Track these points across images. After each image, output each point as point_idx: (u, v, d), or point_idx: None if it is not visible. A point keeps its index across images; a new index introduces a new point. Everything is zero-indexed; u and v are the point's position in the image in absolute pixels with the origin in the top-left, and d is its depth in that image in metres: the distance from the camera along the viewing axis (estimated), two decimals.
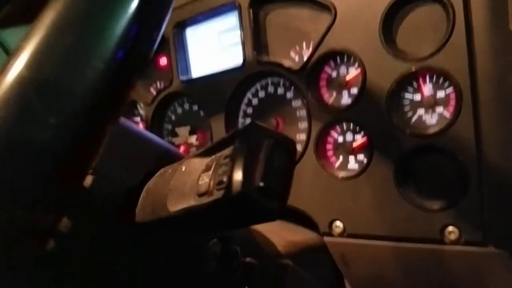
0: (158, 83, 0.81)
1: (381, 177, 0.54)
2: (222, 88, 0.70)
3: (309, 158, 0.60)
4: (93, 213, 0.34)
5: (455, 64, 0.48)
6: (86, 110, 0.22)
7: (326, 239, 0.60)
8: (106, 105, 0.24)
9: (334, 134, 0.60)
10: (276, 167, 0.25)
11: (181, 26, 0.76)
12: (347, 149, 0.58)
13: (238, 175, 0.24)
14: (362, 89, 0.55)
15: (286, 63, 0.63)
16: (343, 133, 0.59)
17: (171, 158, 0.43)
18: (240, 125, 0.71)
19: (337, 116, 0.59)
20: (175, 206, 0.29)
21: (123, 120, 0.41)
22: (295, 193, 0.60)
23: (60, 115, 0.21)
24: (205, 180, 0.27)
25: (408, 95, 0.54)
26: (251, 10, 0.65)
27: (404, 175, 0.53)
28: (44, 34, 0.22)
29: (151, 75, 0.82)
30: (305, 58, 0.61)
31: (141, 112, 0.83)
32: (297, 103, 0.65)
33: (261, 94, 0.69)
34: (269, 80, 0.68)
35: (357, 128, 0.58)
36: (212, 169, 0.27)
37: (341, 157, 0.60)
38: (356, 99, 0.56)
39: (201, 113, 0.76)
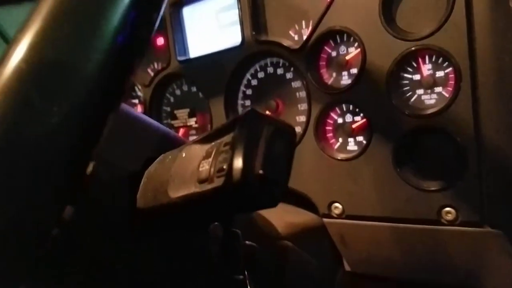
0: (155, 64, 0.81)
1: (380, 158, 0.54)
2: (221, 69, 0.69)
3: (309, 140, 0.60)
4: (95, 199, 0.35)
5: (455, 44, 0.48)
6: (87, 98, 0.22)
7: (325, 220, 0.60)
8: (108, 92, 0.24)
9: (333, 115, 0.60)
10: (276, 154, 0.25)
11: (178, 5, 0.75)
12: (347, 131, 0.58)
13: (238, 163, 0.24)
14: (362, 69, 0.55)
15: (285, 42, 0.63)
16: (343, 114, 0.59)
17: (171, 142, 0.43)
18: (239, 107, 0.71)
19: (337, 97, 0.58)
20: (176, 192, 0.29)
21: (122, 104, 0.41)
22: (294, 175, 0.60)
23: (61, 105, 0.21)
24: (205, 167, 0.27)
25: (407, 75, 0.53)
26: None
27: (403, 156, 0.53)
28: (40, 25, 0.22)
29: (148, 55, 0.81)
30: (304, 37, 0.60)
31: (139, 94, 0.82)
32: (296, 84, 0.64)
33: (261, 74, 0.68)
34: (268, 61, 0.67)
35: (357, 109, 0.58)
36: (212, 156, 0.27)
37: (340, 139, 0.60)
38: (356, 79, 0.56)
39: (200, 94, 0.75)
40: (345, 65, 0.58)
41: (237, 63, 0.68)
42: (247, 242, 0.41)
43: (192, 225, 0.38)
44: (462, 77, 0.48)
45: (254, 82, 0.69)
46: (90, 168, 0.33)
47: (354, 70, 0.58)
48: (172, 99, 0.81)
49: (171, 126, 0.81)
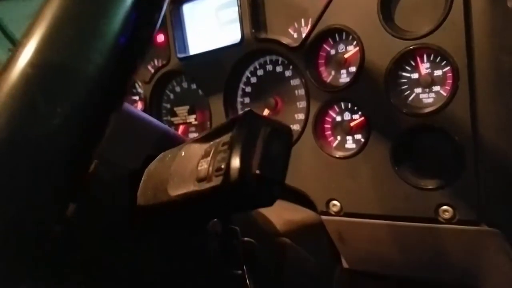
0: (155, 61, 0.81)
1: (378, 156, 0.55)
2: (221, 66, 0.70)
3: (307, 138, 0.61)
4: (95, 197, 0.35)
5: (453, 43, 0.48)
6: (89, 99, 0.23)
7: (324, 217, 0.61)
8: (110, 92, 0.25)
9: (332, 113, 0.60)
10: (272, 155, 0.25)
11: (178, 2, 0.75)
12: (345, 129, 0.59)
13: (235, 163, 0.24)
14: (360, 68, 0.55)
15: (285, 40, 0.63)
16: (341, 112, 0.60)
17: (170, 140, 0.43)
18: (238, 104, 0.71)
19: (336, 95, 0.59)
20: (176, 190, 0.30)
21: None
22: (293, 172, 0.61)
23: (65, 107, 0.22)
24: (204, 166, 0.28)
25: (405, 74, 0.54)
26: None
27: (401, 155, 0.54)
28: (44, 30, 0.22)
29: (148, 52, 0.81)
30: (303, 35, 0.60)
31: (140, 91, 0.83)
32: (295, 81, 0.65)
33: (260, 72, 0.68)
34: (268, 58, 0.67)
35: (355, 107, 0.58)
36: (210, 155, 0.28)
37: (339, 137, 0.60)
38: (355, 77, 0.56)
39: (200, 92, 0.76)
40: (344, 64, 0.58)
41: (236, 61, 0.68)
42: (245, 238, 0.42)
43: (191, 222, 0.39)
44: (460, 76, 0.48)
45: (253, 79, 0.69)
46: (91, 165, 0.34)
47: (352, 69, 0.58)
48: (172, 96, 0.81)
49: (170, 123, 0.81)
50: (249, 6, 0.65)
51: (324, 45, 0.60)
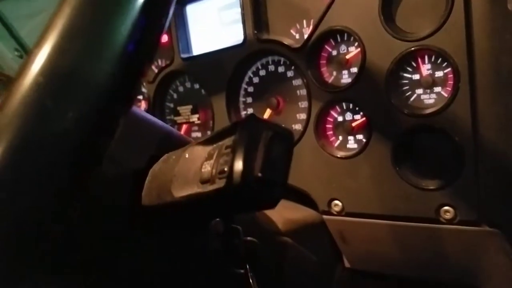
0: (159, 61, 0.81)
1: (379, 156, 0.55)
2: (223, 66, 0.70)
3: (309, 138, 0.61)
4: (100, 197, 0.36)
5: (454, 44, 0.48)
6: (98, 106, 0.23)
7: (325, 217, 0.62)
8: (119, 98, 0.25)
9: (334, 113, 0.61)
10: (274, 158, 0.26)
11: (181, 3, 0.76)
12: (347, 129, 0.59)
13: (238, 166, 0.25)
14: (362, 68, 0.56)
15: (287, 41, 0.63)
16: (343, 112, 0.60)
17: (174, 141, 0.44)
18: (241, 104, 0.72)
19: (337, 96, 0.59)
20: (180, 192, 0.31)
21: None
22: (295, 172, 0.61)
23: (75, 113, 0.22)
24: (207, 168, 0.28)
25: (407, 75, 0.54)
26: None
27: (402, 155, 0.54)
28: (54, 39, 0.23)
29: None
30: (305, 36, 0.61)
31: (144, 90, 0.83)
32: (297, 82, 0.65)
33: (262, 72, 0.69)
34: (270, 59, 0.68)
35: (357, 108, 0.58)
36: (214, 157, 0.28)
37: (340, 137, 0.61)
38: (356, 78, 0.56)
39: (203, 91, 0.76)
40: (345, 64, 0.59)
41: (239, 61, 0.68)
42: (248, 238, 0.42)
43: (194, 222, 0.39)
44: (460, 77, 0.48)
45: (255, 79, 0.70)
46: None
47: (354, 69, 0.58)
48: (175, 96, 0.82)
49: (174, 122, 0.82)
50: (251, 7, 0.65)
51: (326, 46, 0.61)
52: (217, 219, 0.40)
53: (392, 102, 0.53)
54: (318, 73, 0.61)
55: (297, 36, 0.64)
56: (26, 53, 1.21)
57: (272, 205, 0.26)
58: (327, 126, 0.62)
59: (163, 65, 0.79)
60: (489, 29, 0.46)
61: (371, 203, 0.57)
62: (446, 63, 0.51)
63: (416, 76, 0.53)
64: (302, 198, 0.63)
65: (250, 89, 0.71)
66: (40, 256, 0.23)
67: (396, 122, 0.53)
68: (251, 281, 0.41)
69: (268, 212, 0.53)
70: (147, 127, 0.43)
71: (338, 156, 0.59)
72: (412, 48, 0.51)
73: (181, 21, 0.77)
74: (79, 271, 0.34)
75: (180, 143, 0.41)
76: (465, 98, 0.49)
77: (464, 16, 0.47)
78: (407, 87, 0.54)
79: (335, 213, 0.60)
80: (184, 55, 0.76)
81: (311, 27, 0.61)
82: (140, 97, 0.85)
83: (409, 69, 0.54)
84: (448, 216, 0.51)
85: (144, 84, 0.82)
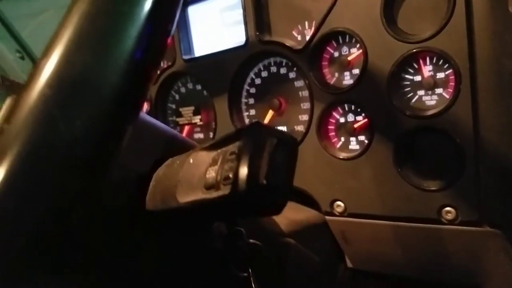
0: (161, 62, 0.82)
1: (381, 157, 0.55)
2: (225, 68, 0.71)
3: (311, 139, 0.61)
4: (105, 200, 0.36)
5: (455, 46, 0.49)
6: (106, 115, 0.24)
7: (328, 218, 0.62)
8: (127, 106, 0.26)
9: (335, 115, 0.61)
10: (279, 165, 0.26)
11: (183, 4, 0.76)
12: (349, 130, 0.59)
13: (243, 173, 0.25)
14: (363, 70, 0.56)
15: (289, 42, 0.64)
16: (345, 114, 0.60)
17: (178, 144, 0.44)
18: (243, 105, 0.72)
19: (339, 97, 0.59)
20: (184, 197, 0.31)
21: None
22: (297, 173, 0.61)
23: (82, 123, 0.23)
24: (212, 174, 0.29)
25: (408, 76, 0.54)
26: None
27: (404, 156, 0.55)
28: (61, 51, 0.23)
29: None
30: (307, 38, 0.61)
31: None
32: (299, 83, 0.65)
33: (264, 73, 0.69)
34: (272, 60, 0.68)
35: (358, 109, 0.59)
36: (218, 163, 0.29)
37: (342, 138, 0.61)
38: (358, 79, 0.57)
39: (205, 92, 0.77)
40: (347, 66, 0.59)
41: (241, 62, 0.69)
42: (251, 240, 0.42)
43: (197, 225, 0.40)
44: (462, 79, 0.49)
45: (257, 81, 0.70)
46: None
47: (356, 71, 0.59)
48: (177, 97, 0.82)
49: (176, 124, 0.82)
50: (253, 8, 0.65)
51: (328, 48, 0.61)
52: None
53: (393, 103, 0.54)
54: (320, 74, 0.62)
55: (299, 38, 0.64)
56: (27, 54, 1.21)
57: (277, 211, 0.27)
58: (329, 127, 0.62)
59: (165, 66, 0.80)
60: (490, 32, 0.46)
61: (373, 204, 0.57)
62: (447, 65, 0.51)
63: (418, 78, 0.54)
64: (305, 199, 0.63)
65: (252, 90, 0.71)
66: (40, 256, 0.23)
67: (398, 123, 0.54)
68: (253, 283, 0.41)
69: None
70: (150, 131, 0.43)
71: (340, 157, 0.59)
72: (414, 50, 0.51)
73: (183, 22, 0.77)
74: (79, 271, 0.34)
75: (183, 147, 0.41)
76: (466, 99, 0.49)
77: (465, 18, 0.47)
78: (408, 89, 0.54)
79: (337, 213, 0.61)
80: (186, 57, 0.76)
81: (313, 28, 0.61)
82: None
83: (411, 70, 0.54)
84: (450, 216, 0.52)
85: None
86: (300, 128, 0.65)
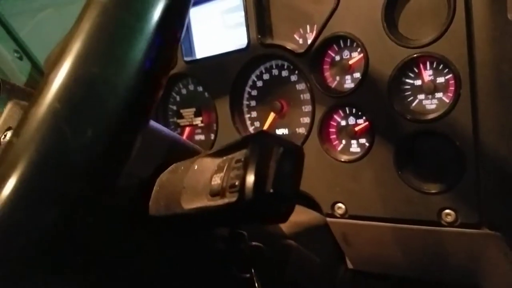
0: (170, 69, 0.82)
1: (382, 160, 0.56)
2: (227, 70, 0.71)
3: (313, 141, 0.62)
4: (107, 204, 0.36)
5: (455, 51, 0.49)
6: (116, 126, 0.24)
7: (329, 219, 0.62)
8: (138, 113, 0.26)
9: (337, 118, 0.62)
10: (285, 174, 0.26)
11: None
12: (350, 133, 0.60)
13: (250, 181, 0.26)
14: (364, 74, 0.56)
15: (290, 45, 0.64)
16: (346, 117, 0.61)
17: (180, 149, 0.44)
18: (245, 107, 0.73)
19: (340, 100, 0.60)
20: (189, 204, 0.31)
21: None
22: None
23: (93, 134, 0.23)
24: (217, 181, 0.29)
25: (409, 81, 0.55)
26: None
27: (404, 159, 0.55)
28: (70, 65, 0.23)
29: None
30: (309, 41, 0.61)
31: None
32: (301, 86, 0.66)
33: (266, 76, 0.70)
34: (273, 63, 0.68)
35: (359, 112, 0.59)
36: (224, 171, 0.29)
37: (343, 141, 0.61)
38: (359, 83, 0.57)
39: (206, 94, 0.77)
40: (348, 69, 0.60)
41: (242, 65, 0.69)
42: (253, 243, 0.43)
43: (199, 230, 0.40)
44: (462, 84, 0.49)
45: (259, 83, 0.71)
46: None
47: (357, 75, 0.59)
48: (178, 98, 0.82)
49: (177, 125, 0.83)
50: (255, 11, 0.66)
51: (329, 51, 0.61)
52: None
53: (394, 107, 0.54)
54: (322, 77, 0.62)
55: (301, 41, 0.64)
56: (25, 54, 1.20)
57: (282, 220, 0.27)
58: (331, 130, 0.62)
59: None
60: (489, 38, 0.47)
61: (374, 206, 0.58)
62: (447, 70, 0.52)
63: (418, 82, 0.54)
64: (306, 201, 0.64)
65: (254, 92, 0.71)
66: (41, 256, 0.23)
67: (398, 126, 0.54)
68: (257, 284, 0.41)
69: None
70: (153, 135, 0.44)
71: (342, 160, 0.60)
72: (415, 55, 0.52)
73: None
74: (79, 272, 0.34)
75: (186, 152, 0.41)
76: (466, 104, 0.49)
77: (465, 24, 0.48)
78: (409, 93, 0.55)
79: (338, 215, 0.61)
80: (187, 58, 0.76)
81: (314, 32, 0.62)
82: None
83: (411, 75, 0.54)
84: (450, 219, 0.52)
85: None
86: (302, 130, 0.66)
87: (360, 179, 0.58)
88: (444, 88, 0.52)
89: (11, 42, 1.20)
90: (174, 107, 0.83)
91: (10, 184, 0.22)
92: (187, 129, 0.81)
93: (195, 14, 0.77)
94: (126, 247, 0.37)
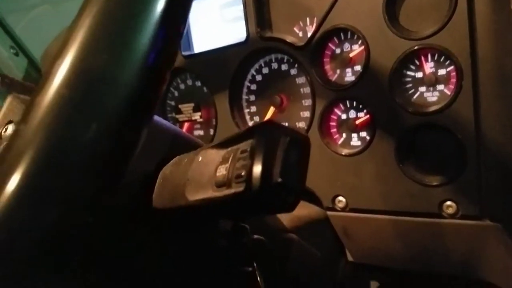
0: (174, 64, 0.81)
1: (383, 153, 0.56)
2: (226, 64, 0.70)
3: (313, 135, 0.62)
4: (109, 203, 0.36)
5: (457, 43, 0.49)
6: (122, 117, 0.24)
7: (329, 213, 0.62)
8: (143, 106, 0.26)
9: (337, 111, 0.61)
10: (292, 163, 0.26)
11: None
12: (350, 126, 0.60)
13: (257, 171, 0.25)
14: (365, 67, 0.56)
15: (290, 39, 0.64)
16: (347, 110, 0.61)
17: (182, 142, 0.44)
18: (244, 102, 0.72)
19: (341, 94, 0.60)
20: (194, 195, 0.31)
21: None
22: None
23: (99, 124, 0.23)
24: (222, 172, 0.29)
25: (410, 73, 0.55)
26: None
27: (405, 152, 0.55)
28: (76, 53, 0.23)
29: None
30: (309, 34, 0.61)
31: None
32: (301, 80, 0.66)
33: (265, 70, 0.69)
34: (273, 57, 0.68)
35: (360, 105, 0.59)
36: (229, 161, 0.29)
37: (344, 134, 0.61)
38: (360, 76, 0.57)
39: (205, 89, 0.77)
40: (349, 62, 0.59)
41: (241, 59, 0.69)
42: (255, 236, 0.43)
43: (203, 223, 0.40)
44: (463, 76, 0.49)
45: (258, 77, 0.70)
46: None
47: (357, 67, 0.59)
48: (176, 93, 0.82)
49: (175, 120, 0.82)
50: (254, 4, 0.65)
51: (329, 44, 0.61)
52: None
53: (395, 100, 0.54)
54: (322, 71, 0.62)
55: (300, 34, 0.64)
56: (22, 51, 1.19)
57: (289, 209, 0.27)
58: (331, 124, 0.62)
59: None
60: (491, 29, 0.47)
61: (375, 199, 0.58)
62: (449, 62, 0.52)
63: (419, 74, 0.54)
64: (307, 194, 0.64)
65: (253, 87, 0.71)
66: (43, 255, 0.23)
67: (400, 119, 0.54)
68: (258, 279, 0.41)
69: None
70: (155, 129, 0.43)
71: (342, 153, 0.60)
72: (416, 47, 0.52)
73: None
74: (81, 270, 0.34)
75: (188, 145, 0.41)
76: (467, 96, 0.49)
77: (467, 16, 0.48)
78: (410, 85, 0.55)
79: (339, 209, 0.61)
80: (185, 53, 0.76)
81: (314, 25, 0.61)
82: None
83: (413, 67, 0.54)
84: (451, 211, 0.52)
85: None
86: (302, 124, 0.65)
87: (361, 172, 0.58)
88: (445, 80, 0.52)
89: (7, 38, 1.19)
90: (173, 103, 0.83)
91: (13, 182, 0.22)
92: (186, 125, 0.81)
93: (193, 9, 0.76)
94: (126, 242, 0.36)
